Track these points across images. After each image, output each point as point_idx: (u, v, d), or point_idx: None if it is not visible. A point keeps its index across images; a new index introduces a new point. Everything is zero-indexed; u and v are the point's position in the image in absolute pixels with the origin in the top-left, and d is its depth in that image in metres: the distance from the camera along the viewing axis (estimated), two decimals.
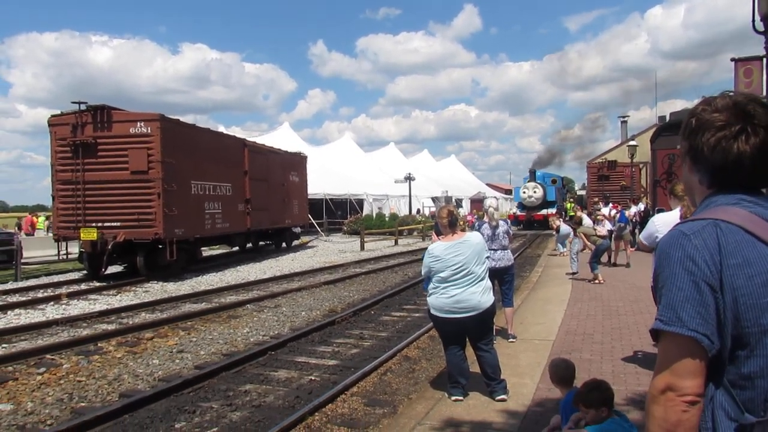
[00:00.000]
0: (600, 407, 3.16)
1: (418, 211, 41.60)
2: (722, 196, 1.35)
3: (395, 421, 4.87)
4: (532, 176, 37.83)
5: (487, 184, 75.63)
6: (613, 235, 14.70)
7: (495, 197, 9.67)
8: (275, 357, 7.45)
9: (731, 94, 1.37)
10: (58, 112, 15.29)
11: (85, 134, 14.67)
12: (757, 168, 1.31)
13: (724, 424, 1.24)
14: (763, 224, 1.27)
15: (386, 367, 6.84)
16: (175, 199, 14.83)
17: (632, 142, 29.04)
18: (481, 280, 4.95)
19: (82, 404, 5.85)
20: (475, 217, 27.74)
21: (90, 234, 14.32)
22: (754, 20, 7.79)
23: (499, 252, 7.03)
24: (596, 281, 11.72)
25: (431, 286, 5.02)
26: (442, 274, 4.90)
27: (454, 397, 5.05)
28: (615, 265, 14.67)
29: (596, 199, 20.61)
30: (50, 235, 20.76)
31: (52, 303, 11.68)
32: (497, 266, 6.86)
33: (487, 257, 5.23)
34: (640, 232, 11.49)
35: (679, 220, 4.71)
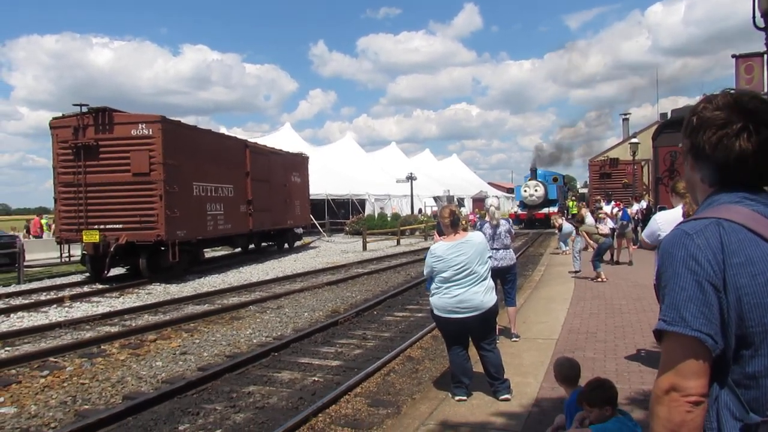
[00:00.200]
0: (604, 406, 3.15)
1: (420, 210, 41.58)
2: (724, 194, 1.34)
3: (399, 421, 4.87)
4: (533, 174, 37.62)
5: (489, 183, 75.61)
6: (615, 233, 14.69)
7: (496, 196, 9.67)
8: (278, 358, 7.45)
9: (732, 91, 1.37)
10: (60, 114, 15.32)
11: (87, 136, 14.69)
12: (759, 166, 1.30)
13: (729, 424, 1.24)
14: (765, 222, 1.27)
15: (389, 368, 6.83)
16: (177, 200, 14.84)
17: (634, 140, 28.97)
18: (484, 279, 4.94)
19: (86, 407, 5.85)
20: (477, 216, 27.71)
21: (92, 236, 14.34)
22: (754, 16, 7.76)
23: (501, 251, 7.02)
24: (599, 279, 11.70)
25: (434, 286, 5.01)
26: (444, 274, 4.90)
27: (457, 397, 5.04)
28: (618, 263, 14.65)
29: (598, 197, 20.57)
30: (52, 237, 20.80)
31: (54, 305, 11.70)
32: (499, 266, 6.85)
33: (490, 257, 5.23)
34: (642, 230, 11.47)
35: (681, 218, 4.71)
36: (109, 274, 15.36)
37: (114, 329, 9.38)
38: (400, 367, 6.89)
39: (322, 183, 34.57)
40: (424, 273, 5.22)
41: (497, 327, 5.98)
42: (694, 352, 1.22)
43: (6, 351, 8.13)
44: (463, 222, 5.51)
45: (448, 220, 5.05)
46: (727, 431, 1.24)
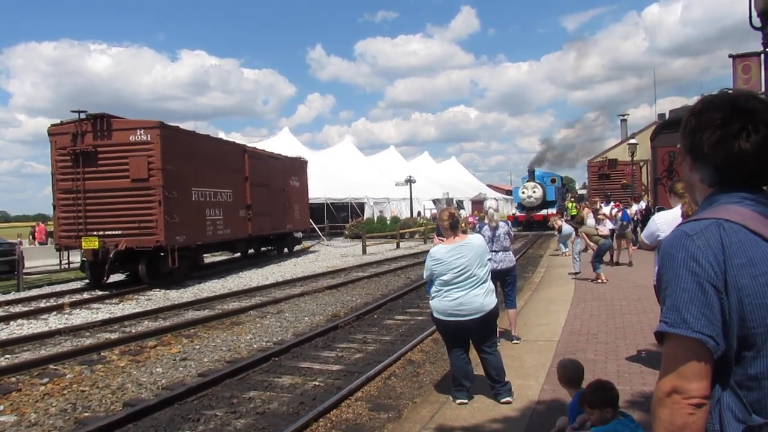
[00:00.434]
0: (605, 408, 3.14)
1: (419, 213, 41.57)
2: (724, 194, 1.33)
3: (400, 425, 4.86)
4: (531, 176, 37.28)
5: (488, 185, 75.63)
6: (615, 234, 14.68)
7: (495, 199, 9.71)
8: (279, 363, 7.43)
9: (730, 91, 1.36)
10: (58, 121, 15.34)
11: (85, 143, 14.69)
12: (758, 166, 1.29)
13: (732, 426, 1.23)
14: (766, 223, 1.26)
15: (390, 372, 6.82)
16: (176, 206, 14.83)
17: (632, 141, 29.04)
18: (484, 282, 4.94)
19: (86, 414, 5.83)
20: (477, 218, 27.70)
21: (91, 243, 14.33)
22: (751, 17, 7.78)
23: (500, 253, 7.02)
24: (599, 281, 11.69)
25: (434, 289, 5.01)
26: (444, 277, 4.89)
27: (458, 401, 5.03)
28: (617, 264, 14.64)
29: (596, 199, 20.57)
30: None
31: (54, 313, 11.68)
32: (499, 268, 6.84)
33: (489, 259, 5.22)
34: (641, 231, 11.45)
35: (680, 218, 4.70)
36: (108, 281, 15.34)
37: (114, 336, 9.36)
38: (401, 371, 6.88)
39: (321, 187, 34.57)
40: (424, 276, 5.22)
41: (498, 329, 5.97)
42: (695, 353, 1.21)
43: (6, 359, 8.11)
44: (463, 224, 5.51)
45: (447, 222, 5.05)
46: None
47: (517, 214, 36.80)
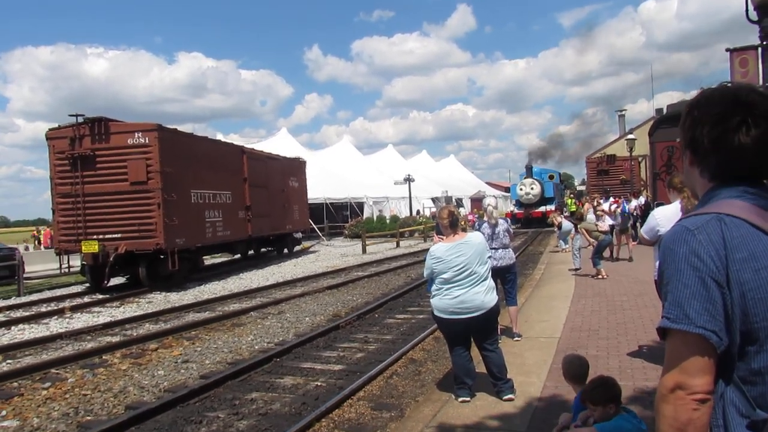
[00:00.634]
0: (607, 404, 3.13)
1: (418, 212, 41.56)
2: (724, 189, 1.33)
3: (403, 424, 4.85)
4: (529, 172, 36.75)
5: (487, 183, 75.65)
6: (615, 230, 14.68)
7: (494, 196, 9.70)
8: (280, 364, 7.42)
9: (730, 84, 1.36)
10: (56, 125, 15.30)
11: (84, 147, 14.67)
12: (758, 159, 1.29)
13: (736, 421, 1.23)
14: (767, 216, 1.26)
15: (392, 371, 6.82)
16: (175, 208, 14.82)
17: (630, 136, 29.02)
18: (484, 279, 4.94)
19: (88, 418, 5.83)
20: (476, 216, 27.67)
21: (91, 246, 14.31)
22: (747, 10, 7.75)
23: (500, 251, 7.02)
24: (599, 276, 11.69)
25: (434, 287, 5.00)
26: (444, 276, 4.89)
27: (461, 399, 5.03)
28: (617, 259, 14.65)
29: (596, 195, 20.59)
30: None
31: (55, 317, 11.67)
32: (499, 265, 6.84)
33: (489, 257, 5.22)
34: (641, 226, 11.42)
35: (679, 213, 4.70)
36: (109, 284, 15.33)
37: (115, 339, 9.36)
38: (403, 370, 6.87)
39: (320, 187, 34.55)
40: (425, 275, 5.21)
41: (499, 327, 5.97)
42: (698, 349, 1.21)
43: (7, 364, 8.11)
44: (462, 222, 5.50)
45: (446, 221, 5.05)
46: (733, 428, 1.23)
47: (515, 211, 36.30)
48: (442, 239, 5.13)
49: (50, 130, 15.24)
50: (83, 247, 14.39)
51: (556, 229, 18.81)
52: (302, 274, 17.16)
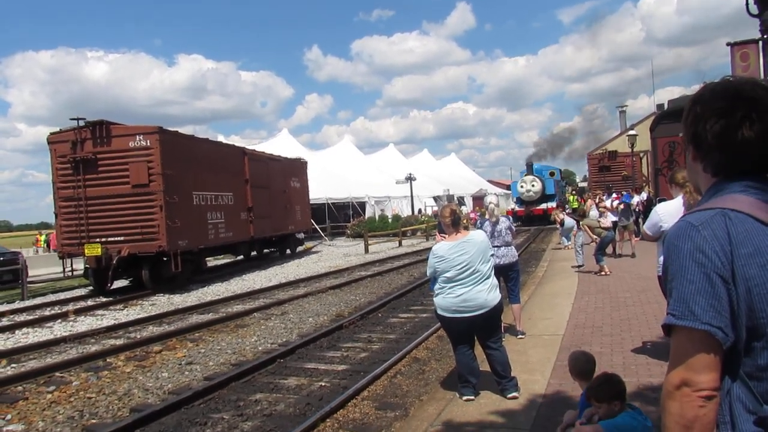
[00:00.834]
0: (612, 401, 3.12)
1: (420, 211, 41.54)
2: (728, 183, 1.32)
3: (407, 423, 4.85)
4: (530, 169, 36.40)
5: (489, 181, 75.61)
6: (617, 226, 14.65)
7: (495, 194, 9.69)
8: (284, 364, 7.43)
9: (732, 79, 1.35)
10: (58, 129, 15.33)
11: (85, 150, 14.69)
12: (762, 154, 1.28)
13: (743, 417, 1.22)
14: None
15: (396, 370, 6.81)
16: (177, 210, 14.83)
17: (632, 132, 29.00)
18: (487, 278, 4.93)
19: (93, 421, 5.83)
20: (478, 214, 27.64)
21: (94, 249, 14.33)
22: (747, 3, 7.73)
23: (502, 249, 7.01)
24: (602, 273, 11.68)
25: (437, 286, 5.00)
26: (447, 274, 4.88)
27: (465, 397, 5.02)
28: (620, 255, 14.63)
29: (598, 192, 20.59)
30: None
31: (59, 320, 11.69)
32: (501, 263, 6.84)
33: (492, 255, 5.21)
34: (643, 222, 11.38)
35: (681, 208, 4.69)
36: (112, 287, 15.36)
37: (119, 342, 9.36)
38: (407, 369, 6.87)
39: (322, 187, 34.57)
40: (427, 273, 5.21)
41: (502, 325, 5.96)
42: (704, 345, 1.20)
43: (12, 368, 8.12)
44: (464, 221, 5.50)
45: (449, 219, 5.04)
46: (740, 424, 1.22)
47: (516, 208, 35.91)
48: (445, 238, 5.12)
49: (52, 134, 15.27)
50: (86, 251, 14.41)
51: (558, 226, 18.78)
52: (305, 275, 17.17)
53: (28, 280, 17.00)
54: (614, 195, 22.37)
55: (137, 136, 14.52)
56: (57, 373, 7.52)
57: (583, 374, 3.70)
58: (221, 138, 34.09)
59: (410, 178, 39.00)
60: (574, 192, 40.46)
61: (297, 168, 25.30)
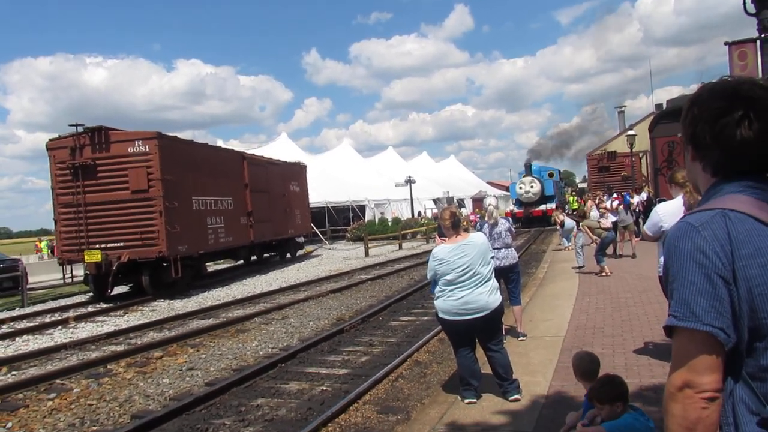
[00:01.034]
0: (614, 402, 3.11)
1: (419, 213, 41.54)
2: (727, 184, 1.31)
3: (409, 427, 4.84)
4: (528, 170, 36.05)
5: (488, 183, 75.63)
6: (617, 227, 14.64)
7: (495, 196, 9.69)
8: (285, 369, 7.41)
9: (731, 78, 1.34)
10: (57, 135, 15.32)
11: (84, 156, 14.69)
12: (761, 154, 1.28)
13: (746, 418, 1.21)
14: None
15: (397, 373, 6.80)
16: (176, 216, 14.82)
17: (631, 132, 29.03)
18: (488, 280, 4.92)
19: (94, 428, 5.82)
20: (478, 216, 27.60)
21: (94, 256, 14.32)
22: (745, 2, 7.74)
23: (502, 250, 7.00)
24: (603, 274, 11.67)
25: (438, 289, 4.99)
26: (448, 277, 4.87)
27: (467, 400, 5.01)
28: (620, 256, 14.62)
29: (598, 192, 20.58)
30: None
31: (59, 327, 11.67)
32: (501, 265, 6.83)
33: (492, 257, 5.20)
34: (643, 222, 11.37)
35: (682, 208, 4.69)
36: (112, 293, 15.34)
37: (120, 348, 9.35)
38: (408, 372, 6.85)
39: (322, 191, 34.57)
40: (428, 276, 5.20)
41: (503, 327, 5.95)
42: (706, 346, 1.20)
43: (12, 375, 8.10)
44: (464, 223, 5.49)
45: (448, 222, 5.03)
46: (743, 426, 1.21)
47: (515, 210, 35.49)
48: (445, 241, 5.12)
49: (51, 140, 15.27)
50: (86, 257, 14.40)
51: (558, 227, 18.78)
52: (305, 279, 17.15)
53: (28, 287, 16.97)
54: (614, 195, 22.38)
55: (136, 142, 14.52)
56: (57, 380, 7.50)
57: (588, 375, 3.68)
58: (220, 142, 34.17)
59: (410, 181, 39.01)
60: (573, 193, 40.43)
61: (296, 172, 25.31)
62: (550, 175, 37.86)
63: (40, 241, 37.02)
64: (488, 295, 4.87)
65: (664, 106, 29.85)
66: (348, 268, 19.36)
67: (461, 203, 50.43)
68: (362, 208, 39.08)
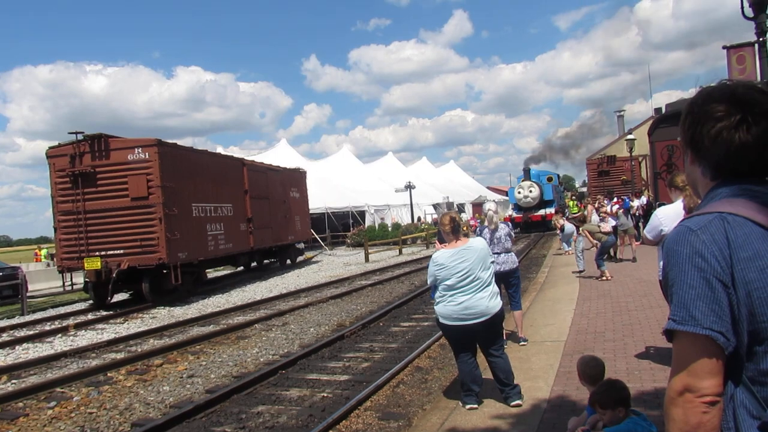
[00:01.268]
0: (616, 407, 3.10)
1: (419, 219, 41.53)
2: (727, 187, 1.31)
3: None
4: (527, 175, 35.76)
5: (488, 188, 75.67)
6: (618, 230, 14.64)
7: (494, 201, 9.70)
8: (286, 376, 7.39)
9: (729, 82, 1.34)
10: (56, 143, 15.34)
11: (84, 164, 14.70)
12: (760, 157, 1.28)
13: (747, 423, 1.21)
14: None
15: (398, 379, 6.78)
16: (176, 223, 14.82)
17: (630, 136, 29.03)
18: (488, 285, 4.91)
19: None
20: (478, 221, 27.56)
21: (94, 263, 14.31)
22: (743, 6, 7.77)
23: (502, 255, 7.00)
24: (603, 278, 11.65)
25: (438, 294, 4.98)
26: (448, 282, 4.86)
27: (468, 406, 5.00)
28: (620, 260, 14.60)
29: (599, 197, 20.59)
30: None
31: (59, 335, 11.64)
32: (502, 269, 6.82)
33: (492, 262, 5.19)
34: (643, 226, 11.36)
35: (682, 212, 4.69)
36: (112, 300, 15.32)
37: (120, 356, 9.33)
38: (409, 378, 6.84)
39: (321, 197, 34.58)
40: (428, 282, 5.19)
41: (504, 332, 5.93)
42: (706, 350, 1.19)
43: (12, 384, 8.08)
44: (464, 228, 5.49)
45: (448, 227, 5.03)
46: (744, 430, 1.21)
47: (514, 215, 35.01)
48: (446, 246, 5.11)
49: (50, 148, 15.28)
50: (86, 264, 14.39)
51: (558, 231, 18.77)
52: (305, 285, 17.13)
53: (28, 294, 16.95)
54: (615, 200, 22.38)
55: (136, 149, 14.53)
56: (58, 389, 7.48)
57: (593, 379, 3.66)
58: (220, 149, 34.28)
59: (409, 186, 39.02)
60: (573, 197, 40.39)
61: (296, 178, 25.32)
62: (549, 179, 37.47)
63: (40, 249, 37.00)
64: (488, 300, 4.86)
65: (663, 110, 29.89)
66: (348, 274, 19.34)
67: (461, 208, 50.45)
68: (362, 214, 39.07)
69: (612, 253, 14.42)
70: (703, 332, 1.19)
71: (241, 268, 22.12)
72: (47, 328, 12.50)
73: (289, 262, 24.81)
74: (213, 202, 17.09)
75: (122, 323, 12.82)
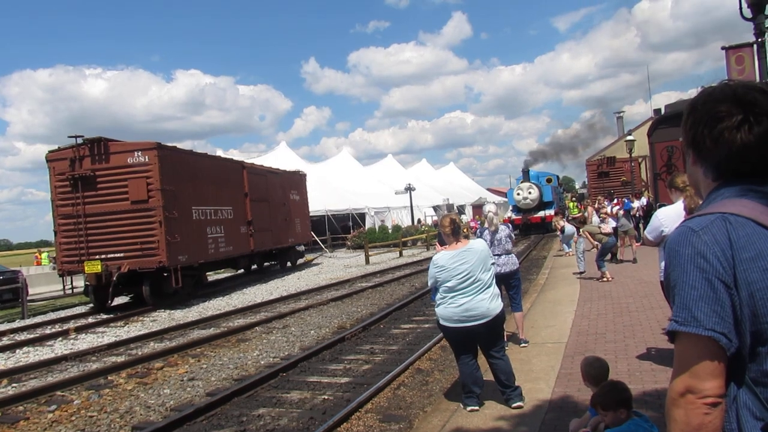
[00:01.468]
0: (618, 409, 3.10)
1: (420, 221, 41.52)
2: (728, 188, 1.31)
3: None
4: (526, 176, 35.46)
5: (488, 189, 75.71)
6: (618, 231, 14.64)
7: (495, 203, 9.71)
8: (287, 378, 7.38)
9: (730, 83, 1.34)
10: (56, 147, 15.35)
11: (84, 167, 14.71)
12: (762, 157, 1.27)
13: (750, 424, 1.20)
14: None
15: (399, 381, 6.77)
16: (176, 226, 14.82)
17: (629, 137, 29.04)
18: (489, 287, 4.91)
19: None
20: (478, 223, 27.54)
21: (94, 267, 14.30)
22: (741, 7, 7.78)
23: (503, 257, 7.00)
24: (604, 279, 11.65)
25: (439, 296, 4.98)
26: (448, 284, 4.86)
27: (469, 408, 4.99)
28: (620, 261, 14.60)
29: (600, 197, 20.59)
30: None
31: (60, 339, 11.63)
32: (502, 271, 6.82)
33: (493, 263, 5.19)
34: (644, 227, 11.37)
35: (682, 213, 4.69)
36: (113, 304, 15.31)
37: (120, 359, 9.32)
38: (410, 380, 6.83)
39: (321, 199, 34.57)
40: (429, 284, 5.19)
41: (505, 333, 5.93)
42: (708, 352, 1.19)
43: (13, 387, 8.07)
44: (465, 230, 5.48)
45: (448, 229, 5.03)
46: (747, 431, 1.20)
47: (513, 217, 34.61)
48: (446, 248, 5.11)
49: (50, 152, 15.30)
50: (86, 268, 14.38)
51: (558, 232, 18.77)
52: (306, 287, 17.12)
53: (29, 298, 16.94)
54: (615, 201, 22.38)
55: (136, 153, 14.54)
56: (58, 392, 7.47)
57: (596, 380, 3.66)
58: (220, 152, 34.24)
59: (409, 189, 39.02)
60: (573, 198, 40.36)
61: (296, 181, 25.33)
62: (548, 180, 37.13)
63: (40, 253, 36.99)
64: (489, 302, 4.86)
65: (663, 110, 29.90)
66: (348, 276, 19.33)
67: (461, 210, 50.44)
68: (362, 216, 39.06)
69: (614, 254, 14.41)
70: (706, 333, 1.19)
71: (242, 270, 22.12)
72: (48, 331, 12.49)
73: (289, 264, 24.80)
74: (213, 205, 17.09)
75: (123, 326, 12.81)
